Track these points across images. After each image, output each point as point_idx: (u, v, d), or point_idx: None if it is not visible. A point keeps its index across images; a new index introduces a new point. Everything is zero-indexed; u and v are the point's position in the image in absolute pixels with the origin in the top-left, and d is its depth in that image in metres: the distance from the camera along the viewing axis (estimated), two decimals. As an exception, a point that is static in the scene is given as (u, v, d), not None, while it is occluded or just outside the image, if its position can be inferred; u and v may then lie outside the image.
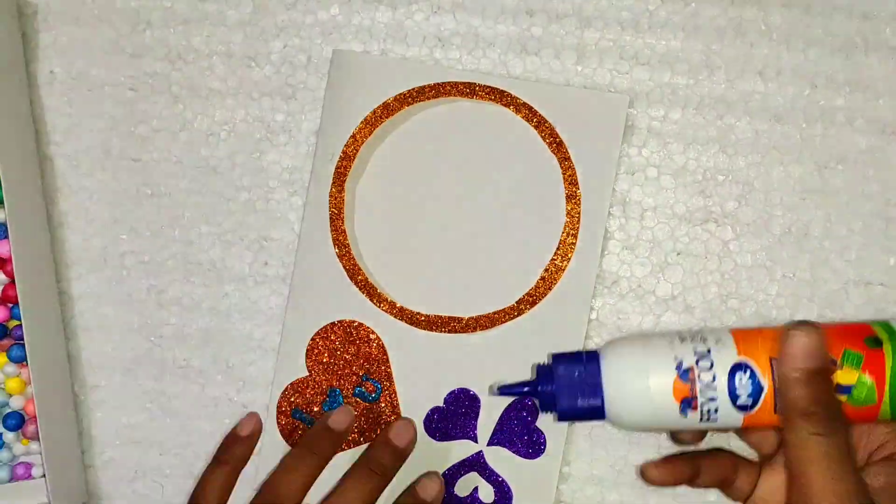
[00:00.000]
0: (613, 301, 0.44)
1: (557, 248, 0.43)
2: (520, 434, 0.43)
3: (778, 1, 0.43)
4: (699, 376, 0.34)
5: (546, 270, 0.43)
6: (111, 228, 0.46)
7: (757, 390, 0.34)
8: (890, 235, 0.42)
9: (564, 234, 0.43)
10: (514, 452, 0.43)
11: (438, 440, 0.44)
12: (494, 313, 0.44)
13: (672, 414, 0.35)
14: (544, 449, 0.43)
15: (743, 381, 0.34)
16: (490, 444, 0.44)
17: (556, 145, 0.43)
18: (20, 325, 0.44)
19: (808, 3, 0.42)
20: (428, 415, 0.44)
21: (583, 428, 0.44)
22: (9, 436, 0.45)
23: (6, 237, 0.43)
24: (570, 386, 0.36)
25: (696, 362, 0.35)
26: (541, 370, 0.37)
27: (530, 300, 0.43)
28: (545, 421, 0.43)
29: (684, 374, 0.35)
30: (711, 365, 0.35)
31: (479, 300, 0.44)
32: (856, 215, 0.43)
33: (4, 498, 0.44)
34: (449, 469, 0.44)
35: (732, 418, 0.35)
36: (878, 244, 0.43)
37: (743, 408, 0.34)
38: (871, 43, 0.42)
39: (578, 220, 0.43)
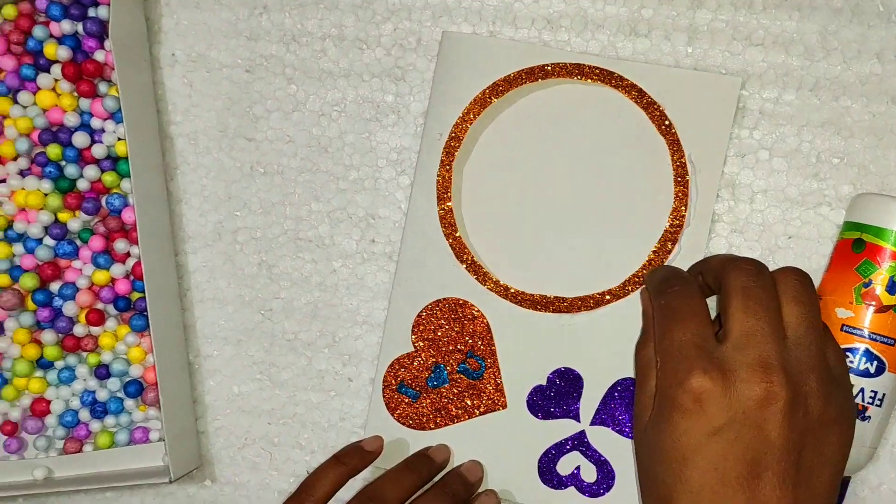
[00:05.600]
0: (721, 284, 0.43)
1: (665, 230, 0.43)
2: (623, 414, 0.44)
3: (900, -20, 0.42)
4: None
5: (653, 252, 0.43)
6: (225, 205, 0.48)
7: None
8: None
9: (672, 216, 0.43)
10: (617, 432, 0.44)
11: (541, 418, 0.44)
12: (600, 294, 0.44)
13: None
14: (647, 430, 0.43)
15: None
16: (593, 423, 0.44)
17: (666, 127, 0.43)
18: (140, 298, 0.47)
19: (931, -18, 0.41)
20: (531, 393, 0.44)
21: (686, 410, 0.44)
22: (129, 402, 0.47)
23: (128, 205, 0.46)
24: None
25: None
26: None
27: (637, 281, 0.43)
28: (648, 402, 0.43)
29: None
30: None
31: (584, 281, 0.44)
32: (979, 200, 0.41)
33: (124, 459, 0.47)
34: (551, 447, 0.44)
35: None
36: None
37: None
38: None
39: (686, 202, 0.43)
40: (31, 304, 0.47)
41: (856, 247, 0.39)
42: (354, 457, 0.43)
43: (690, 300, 0.37)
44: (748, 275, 0.35)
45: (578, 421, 0.44)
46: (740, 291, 0.35)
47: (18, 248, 0.46)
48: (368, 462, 0.43)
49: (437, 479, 0.43)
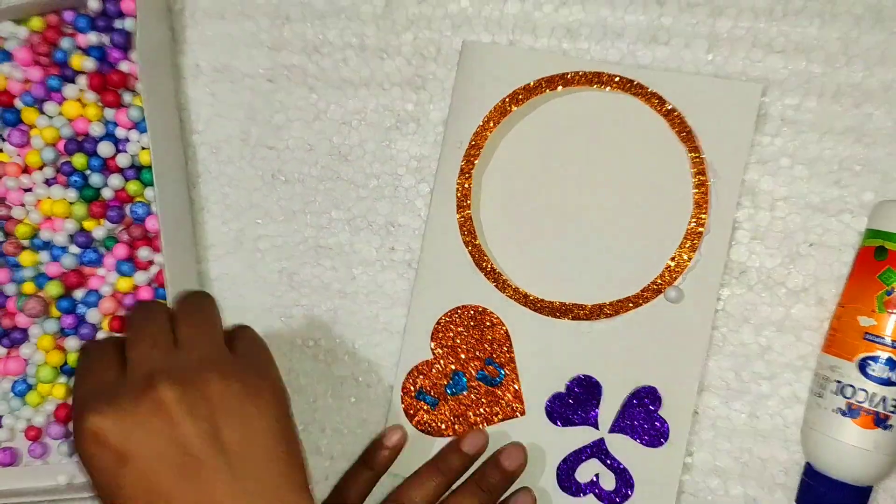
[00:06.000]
0: (742, 292, 0.43)
1: (684, 237, 0.43)
2: (642, 422, 0.43)
3: (922, -14, 0.41)
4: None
5: (672, 259, 0.43)
6: (247, 213, 0.48)
7: None
8: None
9: (692, 224, 0.43)
10: (636, 440, 0.43)
11: (560, 426, 0.44)
12: (619, 301, 0.44)
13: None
14: (667, 438, 0.43)
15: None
16: (612, 431, 0.44)
17: (686, 134, 0.43)
18: (164, 303, 0.47)
19: (954, -12, 0.41)
20: (549, 400, 0.44)
21: (707, 419, 0.43)
22: (151, 407, 0.48)
23: (151, 213, 0.46)
24: None
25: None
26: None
27: (655, 289, 0.43)
28: (668, 409, 0.43)
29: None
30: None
31: (603, 288, 0.44)
32: None
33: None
34: (570, 455, 0.44)
35: None
36: None
37: None
38: None
39: (706, 209, 0.43)
40: (55, 312, 0.47)
41: (878, 254, 0.38)
42: (379, 456, 0.44)
43: (97, 345, 0.38)
44: (140, 314, 0.38)
45: (597, 428, 0.44)
46: (129, 325, 0.38)
47: (44, 255, 0.47)
48: (394, 458, 0.44)
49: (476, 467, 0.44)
